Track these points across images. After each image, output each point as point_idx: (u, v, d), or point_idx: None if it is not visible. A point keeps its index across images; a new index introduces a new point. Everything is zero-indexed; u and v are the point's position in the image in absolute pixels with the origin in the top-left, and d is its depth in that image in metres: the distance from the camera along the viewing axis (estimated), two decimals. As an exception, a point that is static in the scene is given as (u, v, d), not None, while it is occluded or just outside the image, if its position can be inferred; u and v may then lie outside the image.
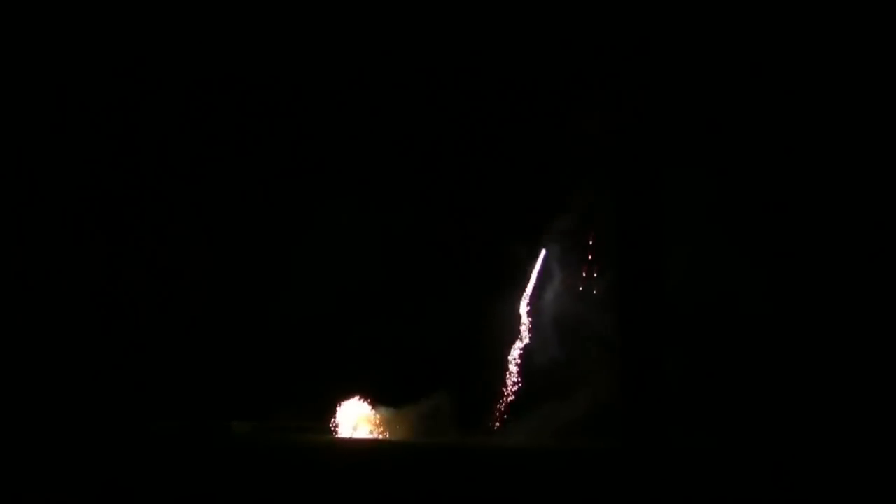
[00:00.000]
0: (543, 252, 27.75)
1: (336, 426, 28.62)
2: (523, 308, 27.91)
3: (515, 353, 27.82)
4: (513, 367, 27.78)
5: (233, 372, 28.21)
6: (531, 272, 27.91)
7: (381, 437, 28.35)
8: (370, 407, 28.58)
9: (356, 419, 28.83)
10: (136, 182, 28.54)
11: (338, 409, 28.58)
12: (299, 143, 29.03)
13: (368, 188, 28.60)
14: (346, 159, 28.91)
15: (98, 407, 27.06)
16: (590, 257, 27.17)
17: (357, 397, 28.51)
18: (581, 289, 27.27)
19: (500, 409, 27.58)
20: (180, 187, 28.73)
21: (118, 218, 28.51)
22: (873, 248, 25.31)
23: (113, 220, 28.47)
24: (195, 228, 28.78)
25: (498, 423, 27.49)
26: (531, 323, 27.80)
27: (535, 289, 27.89)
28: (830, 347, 25.11)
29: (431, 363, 27.70)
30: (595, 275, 27.16)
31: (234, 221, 29.09)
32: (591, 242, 27.31)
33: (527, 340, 27.78)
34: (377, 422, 28.60)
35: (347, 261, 28.43)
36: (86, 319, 28.06)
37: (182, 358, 28.29)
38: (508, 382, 27.73)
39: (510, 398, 27.61)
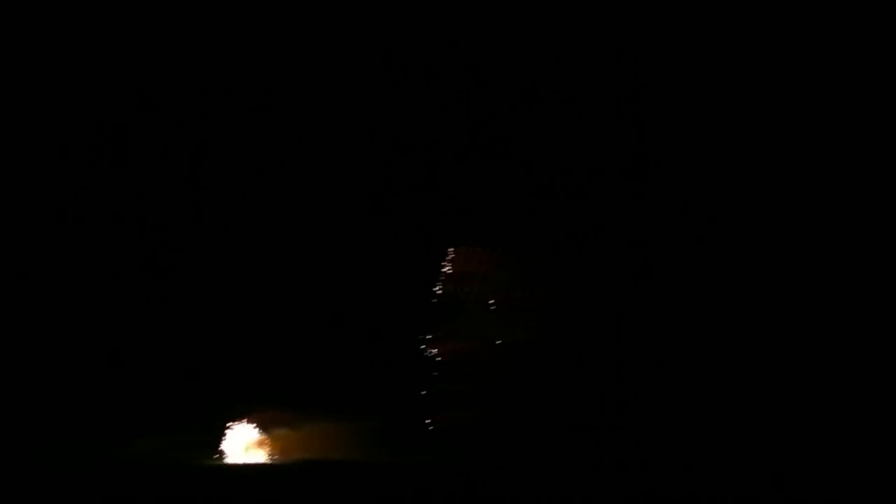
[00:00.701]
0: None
1: (225, 449, 26.13)
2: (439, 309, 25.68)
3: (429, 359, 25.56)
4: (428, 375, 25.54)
5: (106, 388, 25.59)
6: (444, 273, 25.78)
7: (275, 459, 26.03)
8: (262, 429, 26.19)
9: (248, 442, 26.36)
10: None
11: (227, 429, 26.13)
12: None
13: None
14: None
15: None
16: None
17: (248, 418, 26.11)
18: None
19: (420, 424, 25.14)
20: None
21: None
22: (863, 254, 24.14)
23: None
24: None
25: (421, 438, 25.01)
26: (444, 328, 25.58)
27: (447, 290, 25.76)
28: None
29: (341, 374, 25.42)
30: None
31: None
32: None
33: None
34: (273, 444, 26.21)
35: (236, 262, 26.06)
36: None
37: (48, 374, 25.58)
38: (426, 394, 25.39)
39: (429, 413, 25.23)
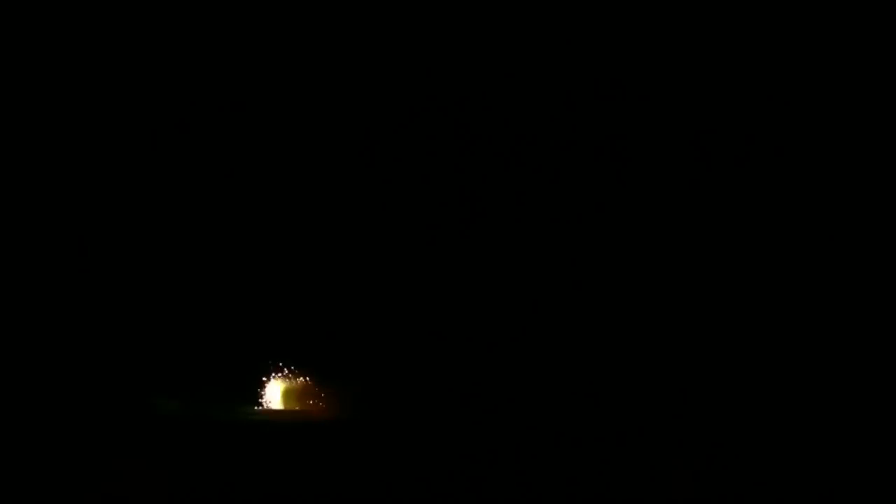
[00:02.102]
0: None
1: (270, 401, 26.40)
2: None
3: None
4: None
5: (148, 346, 25.99)
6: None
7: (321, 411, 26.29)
8: (303, 378, 26.38)
9: (289, 392, 26.71)
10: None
11: (272, 381, 26.40)
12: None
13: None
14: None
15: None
16: None
17: (287, 370, 26.33)
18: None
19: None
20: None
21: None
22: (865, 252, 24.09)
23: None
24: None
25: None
26: None
27: None
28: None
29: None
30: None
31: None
32: None
33: None
34: (314, 394, 26.51)
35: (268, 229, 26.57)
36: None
37: (98, 332, 25.94)
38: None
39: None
